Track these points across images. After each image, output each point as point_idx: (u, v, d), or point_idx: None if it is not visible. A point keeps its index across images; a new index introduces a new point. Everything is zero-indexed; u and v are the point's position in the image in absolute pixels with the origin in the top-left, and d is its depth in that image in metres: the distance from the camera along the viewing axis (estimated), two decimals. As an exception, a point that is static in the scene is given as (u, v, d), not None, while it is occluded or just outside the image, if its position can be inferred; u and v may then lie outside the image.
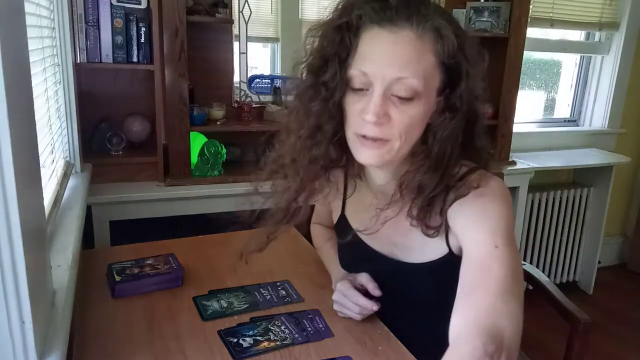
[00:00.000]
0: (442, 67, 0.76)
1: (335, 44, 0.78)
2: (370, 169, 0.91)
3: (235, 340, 0.90)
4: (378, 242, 0.97)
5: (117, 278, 1.05)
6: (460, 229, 0.80)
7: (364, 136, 0.78)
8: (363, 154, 0.80)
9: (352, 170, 0.96)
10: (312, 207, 1.15)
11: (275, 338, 0.91)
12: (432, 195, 0.80)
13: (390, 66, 0.75)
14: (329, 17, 0.81)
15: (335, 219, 1.06)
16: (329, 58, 0.79)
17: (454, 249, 0.86)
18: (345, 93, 0.80)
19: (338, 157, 0.86)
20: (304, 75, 0.83)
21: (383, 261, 0.96)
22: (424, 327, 0.89)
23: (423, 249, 0.90)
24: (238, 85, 2.14)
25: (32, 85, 0.76)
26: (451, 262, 0.84)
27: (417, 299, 0.94)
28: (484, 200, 0.79)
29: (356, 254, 1.01)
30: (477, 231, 0.77)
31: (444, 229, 0.83)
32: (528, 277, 1.24)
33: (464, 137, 0.80)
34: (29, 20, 0.99)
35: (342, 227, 1.02)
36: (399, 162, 0.83)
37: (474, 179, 0.81)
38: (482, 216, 0.78)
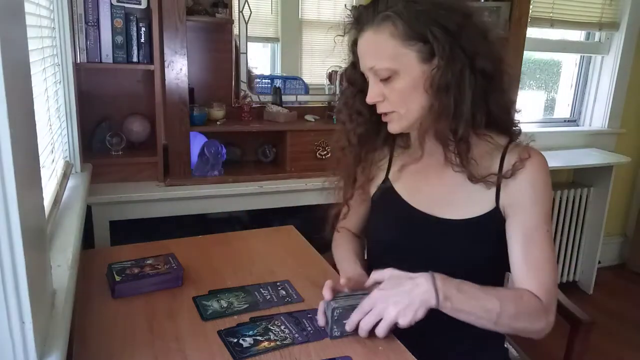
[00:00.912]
0: (414, 41, 0.92)
1: (353, 53, 1.03)
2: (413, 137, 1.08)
3: (236, 340, 0.90)
4: (421, 201, 1.05)
5: (117, 278, 1.05)
6: (518, 205, 0.96)
7: (380, 114, 1.01)
8: (388, 126, 1.02)
9: (400, 141, 1.13)
10: (338, 214, 1.19)
11: (276, 338, 0.91)
12: (461, 142, 0.94)
13: (364, 61, 0.98)
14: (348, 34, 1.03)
15: (373, 191, 1.14)
16: (349, 64, 1.06)
17: (502, 206, 0.98)
18: None
19: (388, 135, 1.08)
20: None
21: (425, 219, 1.03)
22: None
23: (468, 203, 1.00)
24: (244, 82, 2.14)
25: (32, 85, 0.76)
26: (494, 219, 0.98)
27: (458, 258, 0.99)
28: (542, 181, 0.96)
29: (398, 216, 1.08)
30: (534, 216, 0.95)
31: (497, 184, 0.97)
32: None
33: (482, 97, 0.94)
34: (29, 20, 0.99)
35: (384, 192, 1.11)
36: (423, 123, 0.98)
37: (524, 151, 0.97)
38: (541, 202, 0.96)
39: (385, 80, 0.95)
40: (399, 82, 0.95)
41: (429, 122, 0.96)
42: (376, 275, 0.92)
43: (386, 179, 1.12)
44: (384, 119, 1.01)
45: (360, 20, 0.97)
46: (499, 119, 1.00)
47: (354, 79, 1.06)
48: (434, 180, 1.04)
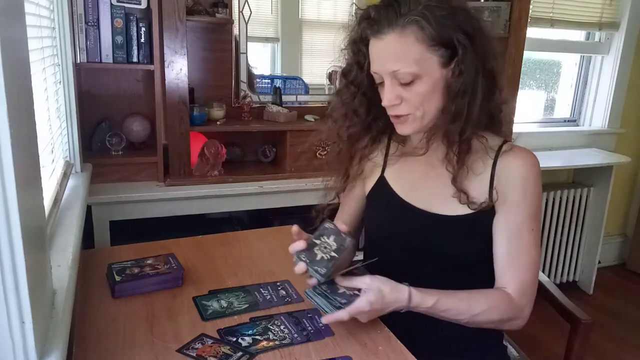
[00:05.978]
0: (438, 46, 0.92)
1: (355, 53, 1.02)
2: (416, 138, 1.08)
3: (234, 339, 0.90)
4: (417, 197, 1.06)
5: (117, 278, 1.05)
6: (507, 202, 0.99)
7: (392, 116, 1.00)
8: (398, 128, 1.02)
9: (396, 138, 1.13)
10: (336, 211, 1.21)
11: (274, 337, 0.91)
12: (464, 143, 0.96)
13: (385, 64, 0.95)
14: (349, 33, 1.03)
15: (369, 188, 1.14)
16: (352, 64, 1.04)
17: (494, 201, 1.00)
18: (378, 88, 1.01)
19: (379, 131, 1.10)
20: (340, 78, 1.09)
21: (421, 216, 1.04)
22: (453, 284, 0.97)
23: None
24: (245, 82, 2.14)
25: (32, 85, 0.76)
26: (488, 214, 1.00)
27: (453, 252, 1.01)
28: (533, 180, 0.99)
29: (393, 212, 1.09)
30: (521, 214, 0.98)
31: (490, 182, 1.00)
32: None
33: (487, 97, 0.96)
34: (29, 20, 0.99)
35: (380, 189, 1.12)
36: (434, 124, 0.99)
37: (517, 151, 1.01)
38: (529, 200, 0.98)
39: (406, 84, 0.94)
40: (420, 86, 0.94)
41: (440, 123, 0.97)
42: (358, 283, 0.92)
43: (382, 176, 1.12)
44: (396, 121, 1.00)
45: (379, 21, 0.94)
46: (495, 119, 1.02)
47: (357, 80, 1.04)
48: (431, 177, 1.05)
